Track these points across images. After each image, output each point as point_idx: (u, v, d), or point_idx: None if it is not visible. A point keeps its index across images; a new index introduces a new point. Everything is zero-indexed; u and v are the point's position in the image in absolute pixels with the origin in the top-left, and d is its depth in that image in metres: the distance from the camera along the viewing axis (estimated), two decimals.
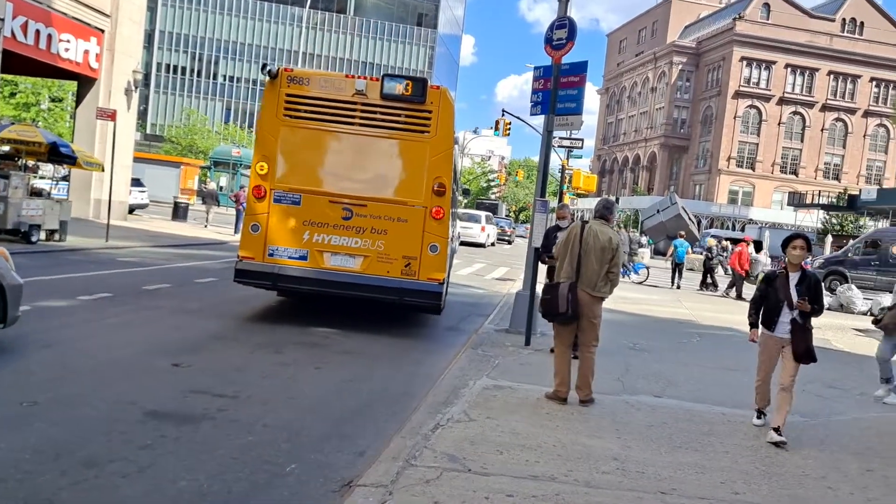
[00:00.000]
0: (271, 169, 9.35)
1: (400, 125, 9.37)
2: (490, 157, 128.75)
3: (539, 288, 9.94)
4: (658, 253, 41.49)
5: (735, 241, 26.20)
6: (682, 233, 26.11)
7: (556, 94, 9.72)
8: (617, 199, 48.30)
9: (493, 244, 41.82)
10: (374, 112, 9.33)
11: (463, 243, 37.51)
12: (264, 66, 9.42)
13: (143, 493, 3.95)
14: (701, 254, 23.36)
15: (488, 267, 24.77)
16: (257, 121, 9.88)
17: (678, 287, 22.25)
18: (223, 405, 5.65)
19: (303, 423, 5.45)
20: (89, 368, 6.40)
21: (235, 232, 25.71)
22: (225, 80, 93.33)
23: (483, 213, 40.51)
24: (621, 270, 6.61)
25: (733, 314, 16.30)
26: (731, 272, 21.72)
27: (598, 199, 7.98)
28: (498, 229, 46.45)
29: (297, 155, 9.42)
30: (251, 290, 10.71)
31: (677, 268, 22.67)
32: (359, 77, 9.41)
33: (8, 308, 6.48)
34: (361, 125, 9.37)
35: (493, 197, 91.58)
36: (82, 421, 4.97)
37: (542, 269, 10.18)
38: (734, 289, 21.24)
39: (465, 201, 62.29)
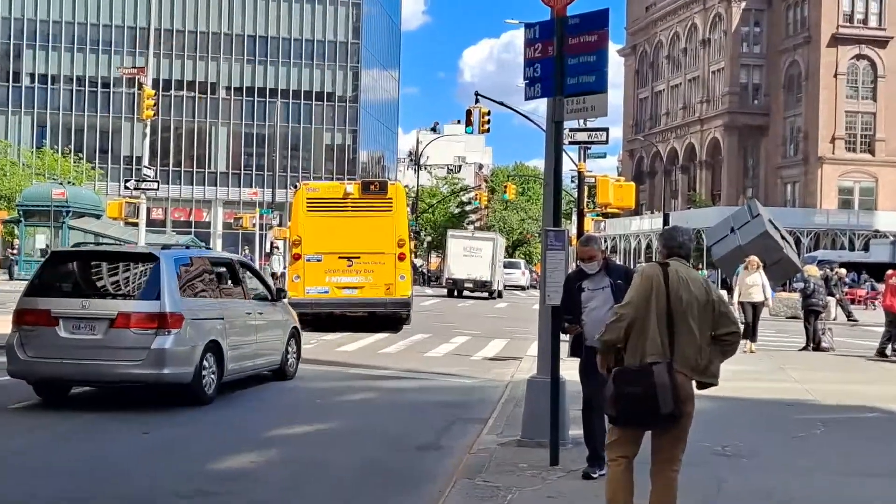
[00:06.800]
0: (303, 242, 16.21)
1: (374, 209, 16.53)
2: (460, 166, 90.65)
3: (564, 370, 6.82)
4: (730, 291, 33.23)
5: (859, 269, 19.88)
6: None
7: (565, 63, 6.70)
8: (666, 217, 35.44)
9: (532, 286, 46.27)
10: (358, 203, 16.54)
11: (507, 286, 41.81)
12: (294, 185, 20.26)
13: None
14: (798, 291, 17.20)
15: (475, 340, 17.10)
16: (291, 215, 16.81)
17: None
18: None
19: None
20: None
21: None
22: (33, 81, 63.40)
23: (521, 261, 55.10)
24: None
25: (871, 384, 12.08)
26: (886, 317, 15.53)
27: (665, 228, 5.37)
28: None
29: (316, 232, 16.19)
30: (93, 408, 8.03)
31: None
32: (348, 184, 17.59)
33: (300, 344, 11.42)
34: (352, 210, 16.57)
35: (470, 228, 59.10)
36: None
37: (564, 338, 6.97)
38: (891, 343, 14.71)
39: (416, 244, 45.55)
